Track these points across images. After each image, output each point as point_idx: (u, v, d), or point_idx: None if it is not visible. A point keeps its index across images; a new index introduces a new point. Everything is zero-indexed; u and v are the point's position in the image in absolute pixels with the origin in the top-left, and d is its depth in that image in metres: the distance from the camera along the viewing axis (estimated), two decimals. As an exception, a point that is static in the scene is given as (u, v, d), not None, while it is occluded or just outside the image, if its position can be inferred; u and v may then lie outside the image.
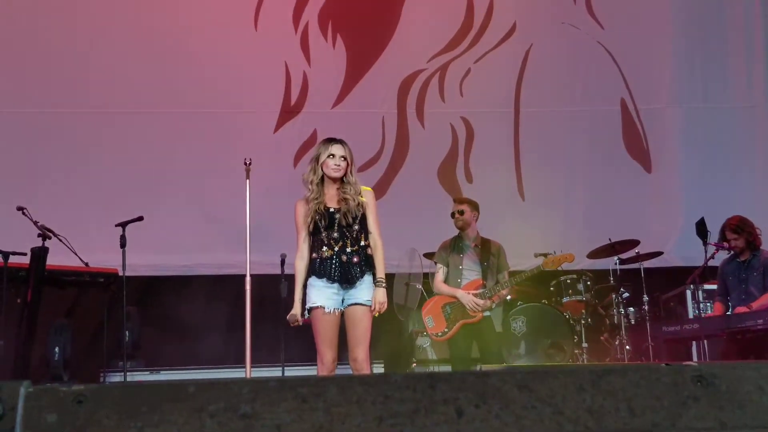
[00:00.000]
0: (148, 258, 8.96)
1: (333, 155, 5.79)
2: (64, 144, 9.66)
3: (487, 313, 7.66)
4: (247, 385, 1.64)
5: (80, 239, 8.23)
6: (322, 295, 5.66)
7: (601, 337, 8.77)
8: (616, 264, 8.91)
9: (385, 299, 5.70)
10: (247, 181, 5.99)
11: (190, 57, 9.99)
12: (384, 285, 5.73)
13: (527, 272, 7.92)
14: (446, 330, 7.67)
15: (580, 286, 8.75)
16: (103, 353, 7.96)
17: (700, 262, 8.23)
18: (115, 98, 9.82)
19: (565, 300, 8.76)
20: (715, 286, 8.18)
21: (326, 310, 5.61)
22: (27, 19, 9.94)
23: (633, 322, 8.70)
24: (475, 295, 7.59)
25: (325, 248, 5.68)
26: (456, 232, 8.04)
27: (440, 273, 7.89)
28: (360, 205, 5.78)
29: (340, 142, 5.87)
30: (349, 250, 5.72)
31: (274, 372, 8.26)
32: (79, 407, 1.61)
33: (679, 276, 9.16)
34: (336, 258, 5.68)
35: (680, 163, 10.55)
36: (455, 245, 7.91)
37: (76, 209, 9.24)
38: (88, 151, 9.66)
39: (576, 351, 8.40)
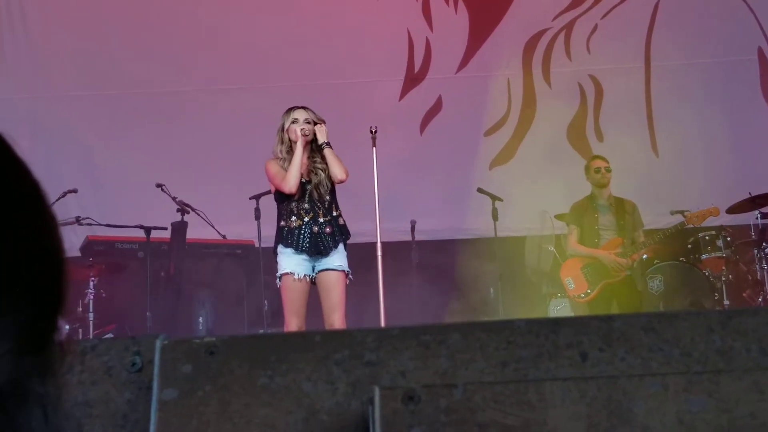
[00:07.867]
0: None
1: (296, 120, 5.79)
2: (197, 122, 9.90)
3: (628, 272, 7.55)
4: (371, 333, 1.67)
5: (216, 213, 8.50)
6: (292, 261, 5.64)
7: (744, 294, 8.48)
8: (757, 218, 8.59)
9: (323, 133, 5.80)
10: (374, 149, 6.03)
11: (313, 30, 10.07)
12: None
13: (668, 229, 7.76)
14: (589, 291, 7.59)
15: (720, 243, 8.46)
16: (244, 322, 8.20)
17: None
18: (243, 75, 9.99)
19: (704, 257, 8.48)
20: None
21: (296, 277, 5.59)
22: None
23: (777, 277, 8.39)
24: (616, 254, 7.49)
25: (294, 218, 5.68)
26: (585, 193, 7.94)
27: (574, 234, 7.81)
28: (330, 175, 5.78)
29: (303, 107, 5.87)
30: (321, 220, 5.72)
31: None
32: (212, 358, 1.67)
33: (826, 228, 8.74)
34: (306, 228, 5.66)
35: (824, 111, 10.03)
36: (590, 205, 7.81)
37: (211, 184, 9.48)
38: (219, 128, 9.88)
39: (717, 309, 8.16)
